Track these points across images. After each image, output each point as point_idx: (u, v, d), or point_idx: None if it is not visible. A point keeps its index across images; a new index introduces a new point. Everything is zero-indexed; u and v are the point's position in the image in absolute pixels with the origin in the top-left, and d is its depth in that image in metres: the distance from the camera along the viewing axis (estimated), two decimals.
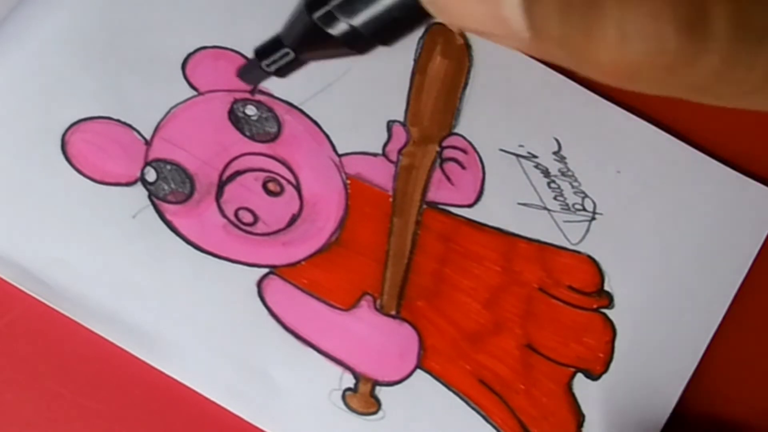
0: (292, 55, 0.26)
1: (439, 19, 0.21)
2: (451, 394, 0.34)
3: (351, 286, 0.34)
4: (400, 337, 0.34)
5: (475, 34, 0.20)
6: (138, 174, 0.34)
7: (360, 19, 0.22)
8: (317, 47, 0.24)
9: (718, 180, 0.36)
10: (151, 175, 0.34)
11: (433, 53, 0.36)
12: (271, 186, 0.35)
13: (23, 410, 0.33)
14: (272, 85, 0.33)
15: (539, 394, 0.34)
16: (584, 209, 0.36)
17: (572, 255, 0.35)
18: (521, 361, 0.34)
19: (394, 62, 0.36)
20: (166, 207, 0.34)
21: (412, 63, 0.36)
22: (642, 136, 0.36)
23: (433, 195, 0.35)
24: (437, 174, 0.35)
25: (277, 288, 0.34)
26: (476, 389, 0.34)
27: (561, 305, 0.35)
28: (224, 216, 0.34)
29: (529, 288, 0.35)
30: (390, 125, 0.36)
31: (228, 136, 0.35)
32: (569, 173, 0.36)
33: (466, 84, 0.36)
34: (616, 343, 0.35)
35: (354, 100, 0.35)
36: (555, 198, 0.36)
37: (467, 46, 0.36)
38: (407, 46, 0.36)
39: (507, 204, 0.36)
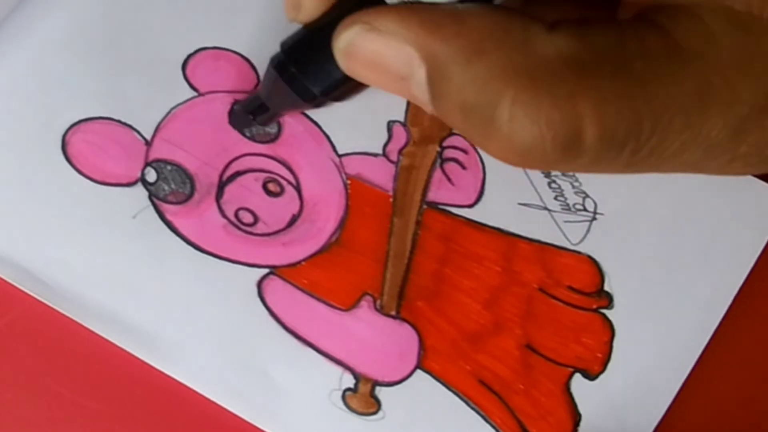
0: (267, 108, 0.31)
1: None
2: (450, 394, 0.34)
3: (351, 286, 0.34)
4: (400, 338, 0.34)
5: None
6: (138, 174, 0.34)
7: (319, 86, 0.27)
8: (282, 101, 0.29)
9: (721, 179, 0.36)
10: (151, 176, 0.34)
11: None
12: (271, 186, 0.35)
13: (23, 410, 0.33)
14: None
15: (538, 394, 0.34)
16: (585, 209, 0.36)
17: (572, 255, 0.35)
18: (521, 361, 0.34)
19: None
20: (166, 207, 0.34)
21: None
22: None
23: (433, 195, 0.35)
24: (437, 174, 0.35)
25: (277, 288, 0.34)
26: (476, 389, 0.34)
27: (561, 305, 0.35)
28: (224, 216, 0.34)
29: (529, 288, 0.35)
30: (390, 125, 0.36)
31: (228, 137, 0.35)
32: (570, 173, 0.36)
33: None
34: (615, 344, 0.35)
35: (354, 101, 0.35)
36: (555, 198, 0.36)
37: None
38: None
39: (507, 204, 0.35)
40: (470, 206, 0.35)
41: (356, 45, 0.23)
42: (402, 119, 0.36)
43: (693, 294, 0.35)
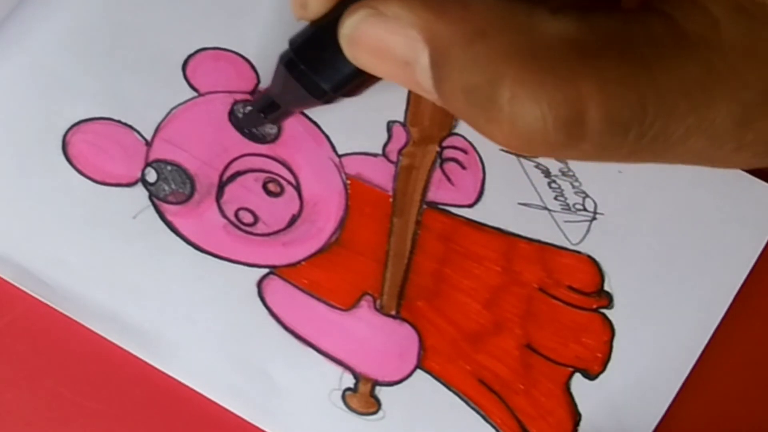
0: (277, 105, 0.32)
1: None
2: (450, 394, 0.34)
3: (351, 286, 0.34)
4: (400, 337, 0.34)
5: None
6: (138, 175, 0.34)
7: (329, 82, 0.27)
8: (293, 99, 0.30)
9: (721, 179, 0.36)
10: (151, 176, 0.34)
11: None
12: (271, 186, 0.35)
13: (23, 410, 0.33)
14: None
15: (538, 393, 0.34)
16: (585, 209, 0.36)
17: (572, 255, 0.35)
18: (521, 361, 0.34)
19: None
20: (166, 207, 0.34)
21: None
22: None
23: (433, 195, 0.35)
24: (437, 174, 0.35)
25: (277, 288, 0.34)
26: (476, 389, 0.34)
27: (561, 305, 0.35)
28: (224, 216, 0.34)
29: (529, 288, 0.35)
30: (390, 125, 0.36)
31: (228, 137, 0.35)
32: (570, 173, 0.36)
33: None
34: (614, 343, 0.35)
35: (354, 101, 0.35)
36: (555, 198, 0.36)
37: None
38: None
39: (507, 204, 0.36)
40: (470, 206, 0.35)
41: (361, 30, 0.23)
42: (402, 119, 0.36)
43: (693, 294, 0.35)
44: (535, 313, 0.35)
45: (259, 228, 0.34)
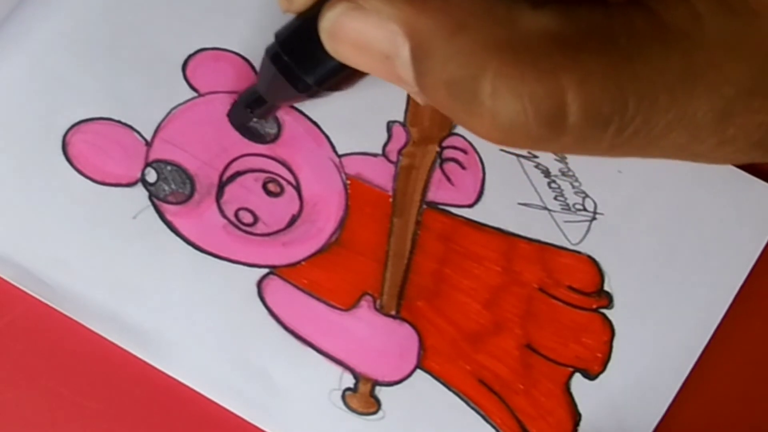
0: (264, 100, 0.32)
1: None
2: (450, 394, 0.34)
3: (351, 286, 0.34)
4: (400, 337, 0.34)
5: None
6: (138, 175, 0.34)
7: (312, 76, 0.27)
8: (278, 93, 0.30)
9: (721, 178, 0.36)
10: (151, 176, 0.34)
11: None
12: (271, 186, 0.35)
13: (23, 410, 0.33)
14: None
15: (538, 393, 0.34)
16: (585, 209, 0.36)
17: (572, 255, 0.35)
18: (521, 361, 0.34)
19: None
20: (166, 207, 0.34)
21: None
22: None
23: (433, 195, 0.35)
24: (437, 174, 0.35)
25: (277, 288, 0.34)
26: (476, 389, 0.34)
27: (561, 305, 0.35)
28: (224, 216, 0.34)
29: (529, 288, 0.35)
30: (390, 125, 0.36)
31: (228, 137, 0.35)
32: (570, 173, 0.36)
33: None
34: (614, 343, 0.35)
35: (354, 101, 0.35)
36: (555, 198, 0.36)
37: None
38: None
39: (507, 204, 0.35)
40: (470, 206, 0.35)
41: (340, 23, 0.23)
42: (401, 119, 0.36)
43: (693, 294, 0.35)
44: (535, 313, 0.35)
45: (259, 228, 0.34)
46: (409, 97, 0.36)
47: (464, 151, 0.36)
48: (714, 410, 0.35)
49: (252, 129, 0.35)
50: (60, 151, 0.34)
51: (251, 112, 0.33)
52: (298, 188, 0.35)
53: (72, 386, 0.33)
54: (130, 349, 0.33)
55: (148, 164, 0.34)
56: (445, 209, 0.35)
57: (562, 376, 0.34)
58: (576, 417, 0.34)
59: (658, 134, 0.22)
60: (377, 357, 0.34)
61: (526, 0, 0.22)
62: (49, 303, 0.33)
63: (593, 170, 0.36)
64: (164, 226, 0.34)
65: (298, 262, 0.34)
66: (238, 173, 0.35)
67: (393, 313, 0.34)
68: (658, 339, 0.35)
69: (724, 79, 0.21)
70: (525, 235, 0.35)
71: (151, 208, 0.34)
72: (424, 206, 0.35)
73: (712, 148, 0.23)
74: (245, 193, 0.34)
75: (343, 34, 0.23)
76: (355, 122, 0.35)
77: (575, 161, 0.36)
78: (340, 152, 0.35)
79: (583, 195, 0.36)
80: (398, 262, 0.35)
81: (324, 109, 0.35)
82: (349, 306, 0.34)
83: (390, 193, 0.35)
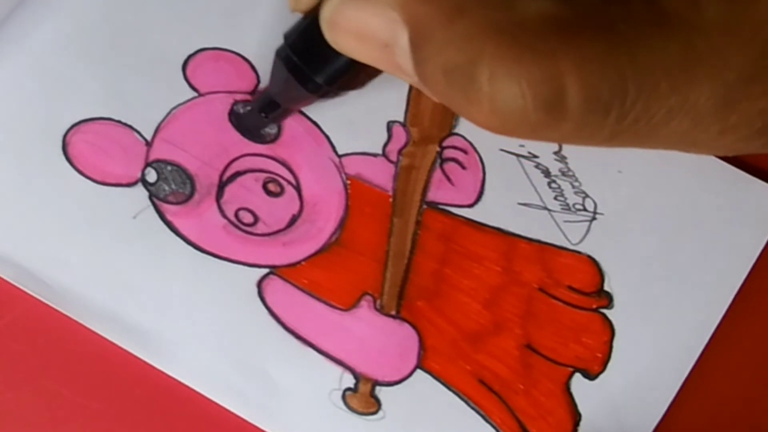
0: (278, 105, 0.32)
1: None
2: (450, 394, 0.34)
3: (351, 286, 0.34)
4: (400, 337, 0.34)
5: None
6: (138, 175, 0.34)
7: (322, 75, 0.27)
8: (290, 95, 0.30)
9: (721, 179, 0.36)
10: (151, 176, 0.34)
11: None
12: (271, 186, 0.35)
13: (23, 410, 0.33)
14: None
15: (538, 393, 0.34)
16: (585, 209, 0.36)
17: (572, 255, 0.35)
18: (521, 361, 0.34)
19: None
20: (166, 207, 0.34)
21: None
22: None
23: (433, 195, 0.35)
24: (437, 174, 0.35)
25: (277, 288, 0.34)
26: (476, 389, 0.34)
27: (561, 305, 0.35)
28: (224, 216, 0.34)
29: (529, 288, 0.35)
30: (390, 125, 0.36)
31: (228, 137, 0.35)
32: (570, 173, 0.36)
33: None
34: (614, 343, 0.35)
35: (354, 101, 0.35)
36: (555, 198, 0.36)
37: None
38: None
39: (507, 204, 0.36)
40: (470, 206, 0.35)
41: (340, 12, 0.23)
42: (402, 119, 0.36)
43: (693, 294, 0.35)
44: (535, 313, 0.35)
45: (259, 228, 0.34)
46: (409, 97, 0.36)
47: (464, 151, 0.36)
48: (714, 410, 0.35)
49: (252, 129, 0.35)
50: (60, 151, 0.34)
51: (266, 116, 0.33)
52: (298, 188, 0.35)
53: (72, 386, 0.33)
54: (130, 349, 0.33)
55: (148, 164, 0.34)
56: (445, 209, 0.35)
57: (562, 376, 0.34)
58: (576, 417, 0.34)
59: (659, 122, 0.22)
60: (377, 357, 0.34)
61: None
62: (49, 303, 0.33)
63: (593, 170, 0.36)
64: (164, 226, 0.34)
65: (299, 262, 0.34)
66: (238, 173, 0.35)
67: (393, 313, 0.34)
68: (658, 339, 0.35)
69: (724, 64, 0.21)
70: (525, 235, 0.35)
71: (151, 208, 0.34)
72: (424, 206, 0.35)
73: (714, 136, 0.22)
74: (245, 193, 0.34)
75: (342, 23, 0.23)
76: (355, 122, 0.35)
77: (575, 161, 0.36)
78: (341, 152, 0.35)
79: (583, 195, 0.36)
80: (398, 262, 0.35)
81: (324, 109, 0.35)
82: (350, 306, 0.34)
83: (390, 193, 0.35)
